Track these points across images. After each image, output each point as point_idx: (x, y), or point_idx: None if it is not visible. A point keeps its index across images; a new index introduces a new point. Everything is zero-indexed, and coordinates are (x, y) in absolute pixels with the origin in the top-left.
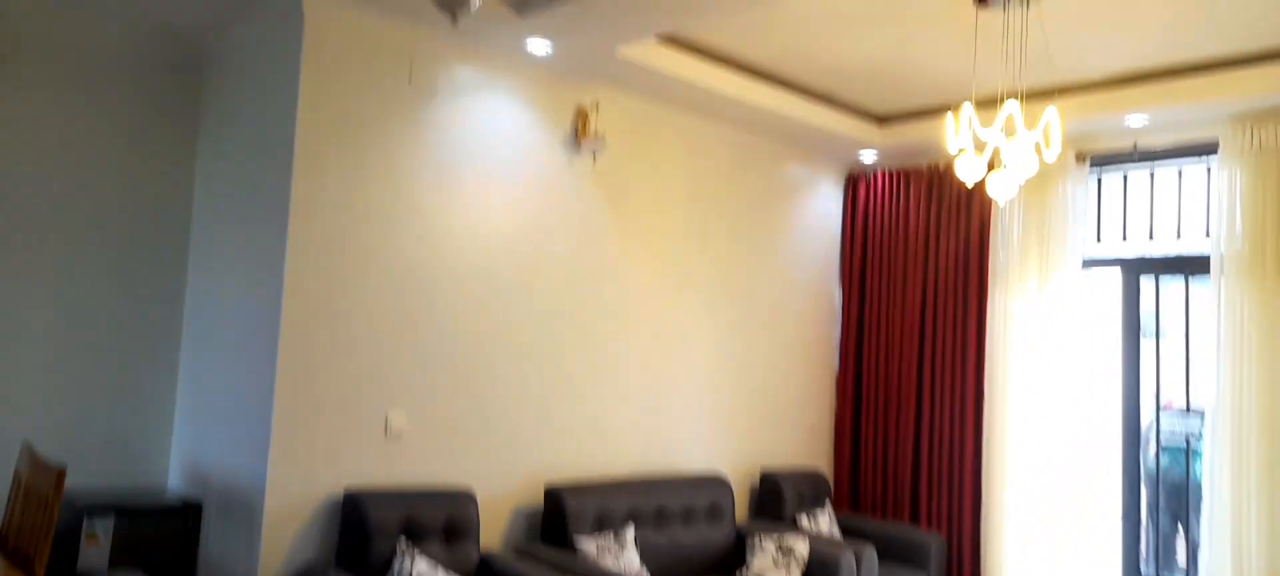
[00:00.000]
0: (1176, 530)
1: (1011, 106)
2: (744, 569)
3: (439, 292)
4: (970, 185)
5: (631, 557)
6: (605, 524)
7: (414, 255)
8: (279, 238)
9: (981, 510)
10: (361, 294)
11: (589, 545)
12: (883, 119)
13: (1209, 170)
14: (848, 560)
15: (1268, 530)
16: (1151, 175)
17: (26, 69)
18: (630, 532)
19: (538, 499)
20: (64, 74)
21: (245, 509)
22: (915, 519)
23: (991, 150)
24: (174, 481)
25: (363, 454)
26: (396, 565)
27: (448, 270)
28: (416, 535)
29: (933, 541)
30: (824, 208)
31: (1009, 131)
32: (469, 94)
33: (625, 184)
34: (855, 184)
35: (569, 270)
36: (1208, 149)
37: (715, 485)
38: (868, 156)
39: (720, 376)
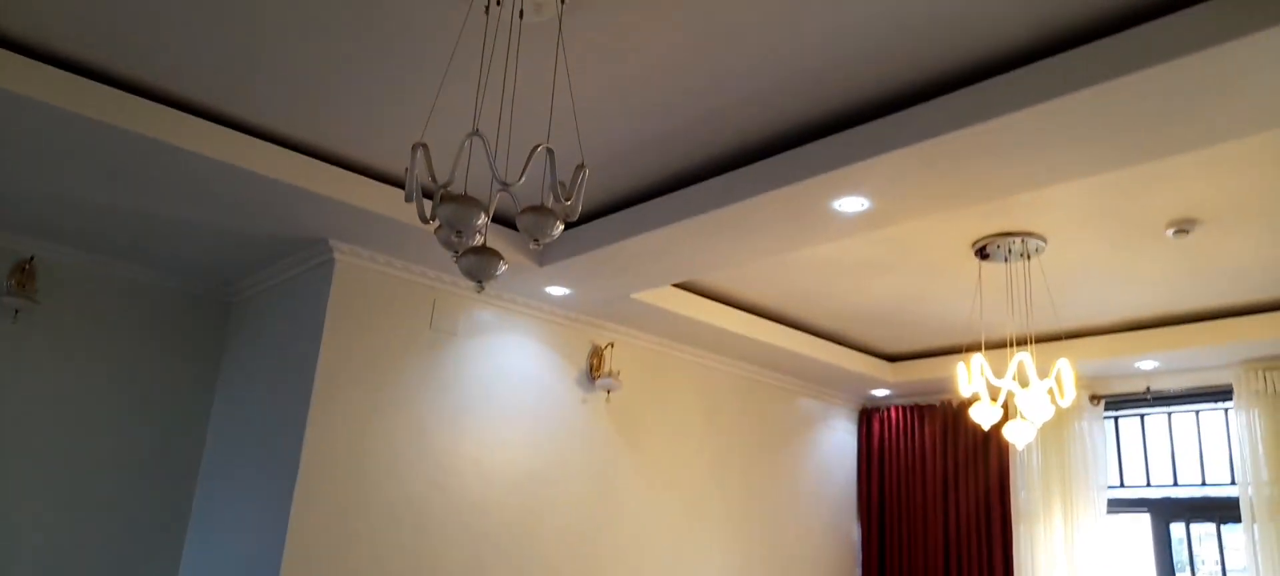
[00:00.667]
0: None
1: (1022, 356)
2: None
3: (449, 532)
4: (987, 429)
5: None
6: None
7: (424, 495)
8: (288, 476)
9: None
10: (369, 534)
11: None
12: (893, 358)
13: (1227, 414)
14: None
15: None
16: (1169, 418)
17: (62, 311)
18: None
19: None
20: (97, 314)
21: None
22: None
23: (1006, 393)
24: None
25: None
26: None
27: (458, 509)
28: None
29: None
30: (839, 441)
31: (1021, 380)
32: (487, 334)
33: (639, 419)
34: (869, 418)
35: (583, 506)
36: (1222, 393)
37: None
38: (880, 392)
39: None
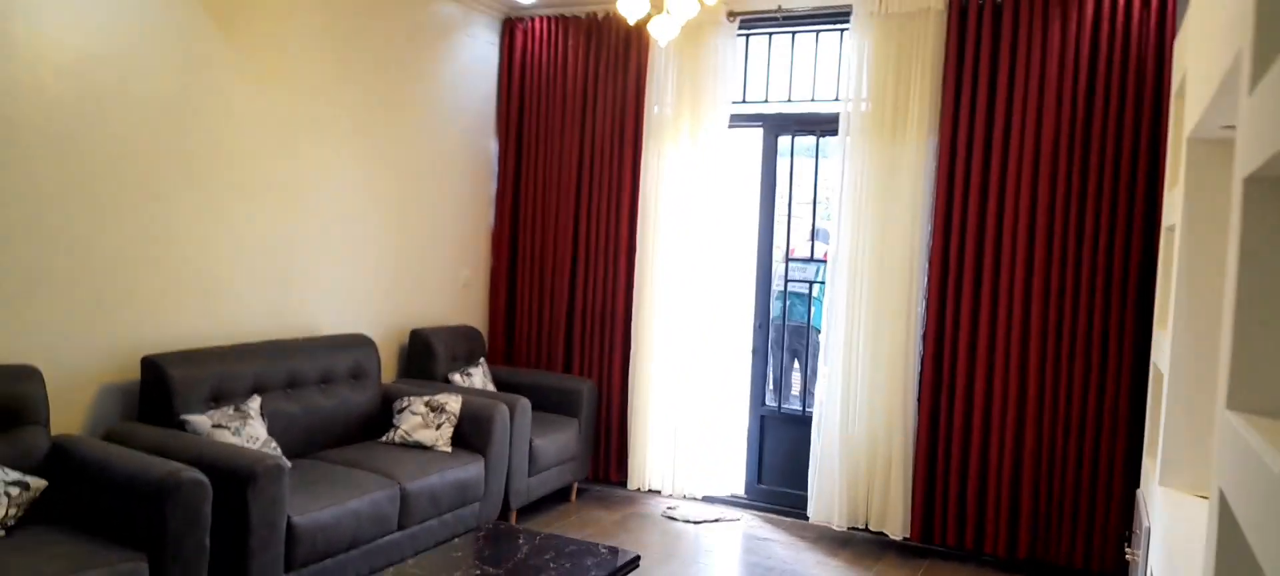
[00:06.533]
0: (794, 364)
1: None
2: (392, 430)
3: None
4: (632, 22)
5: (257, 429)
6: (224, 396)
7: None
8: None
9: (630, 355)
10: None
11: (202, 420)
12: None
13: (842, 36)
14: (501, 412)
15: (871, 358)
16: (793, 38)
17: None
18: (256, 403)
19: (135, 373)
20: None
21: None
22: (568, 368)
23: None
24: None
25: None
26: None
27: None
28: None
29: (585, 387)
30: (480, 53)
31: None
32: None
33: (241, 8)
34: (512, 30)
35: (167, 106)
36: (843, 15)
37: (358, 345)
38: (525, 0)
39: (363, 232)
